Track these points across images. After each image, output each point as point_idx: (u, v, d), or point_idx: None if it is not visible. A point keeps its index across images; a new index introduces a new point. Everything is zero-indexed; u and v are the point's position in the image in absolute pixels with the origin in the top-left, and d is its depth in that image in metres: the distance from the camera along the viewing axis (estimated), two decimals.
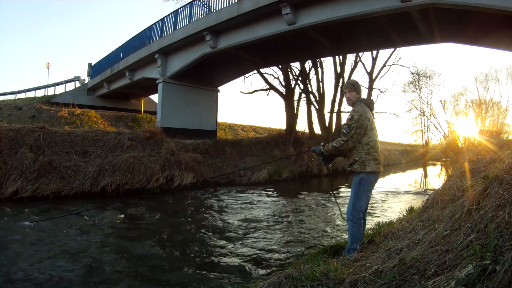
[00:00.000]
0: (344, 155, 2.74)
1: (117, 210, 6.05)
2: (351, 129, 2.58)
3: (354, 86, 2.80)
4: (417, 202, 5.59)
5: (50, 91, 21.01)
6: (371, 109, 2.79)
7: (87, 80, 20.36)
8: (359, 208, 2.61)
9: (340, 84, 16.77)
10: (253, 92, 16.55)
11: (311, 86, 16.40)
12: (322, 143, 2.85)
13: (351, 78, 15.98)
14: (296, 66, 15.64)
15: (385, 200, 8.14)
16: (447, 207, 2.34)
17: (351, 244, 2.59)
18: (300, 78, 15.76)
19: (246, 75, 15.63)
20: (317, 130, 16.82)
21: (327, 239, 4.56)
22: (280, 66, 14.83)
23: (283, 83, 15.57)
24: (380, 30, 8.53)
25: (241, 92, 26.96)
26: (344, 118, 14.11)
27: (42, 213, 5.68)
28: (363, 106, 2.69)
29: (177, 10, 11.67)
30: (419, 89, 24.47)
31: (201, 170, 9.65)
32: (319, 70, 16.37)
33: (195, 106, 13.18)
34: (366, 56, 19.14)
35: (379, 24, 8.00)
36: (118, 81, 16.16)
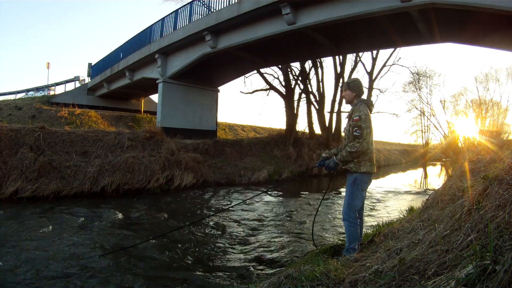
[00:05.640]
0: None
1: (116, 210, 6.04)
2: (362, 129, 2.55)
3: (348, 85, 2.80)
4: (417, 202, 5.58)
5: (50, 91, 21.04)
6: (370, 110, 2.78)
7: (87, 80, 20.37)
8: (355, 207, 2.62)
9: (340, 84, 16.77)
10: (253, 92, 16.58)
11: (311, 86, 16.43)
12: (334, 155, 2.75)
13: (351, 77, 15.98)
14: (296, 66, 15.67)
15: (385, 200, 8.13)
16: (447, 207, 2.34)
17: (349, 244, 2.61)
18: (300, 78, 15.76)
19: (246, 75, 15.67)
20: (317, 130, 16.85)
21: (327, 239, 4.55)
22: (280, 66, 14.83)
23: (283, 83, 15.57)
24: (380, 30, 8.52)
25: (241, 92, 27.00)
26: (343, 118, 14.14)
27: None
28: (365, 106, 2.69)
29: (177, 10, 11.68)
30: (419, 89, 24.57)
31: (201, 170, 9.65)
32: (319, 70, 16.40)
33: (195, 106, 13.19)
34: (366, 56, 19.18)
35: (379, 24, 8.00)
36: (118, 81, 16.16)
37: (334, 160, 2.68)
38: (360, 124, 2.56)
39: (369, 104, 2.76)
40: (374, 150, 2.72)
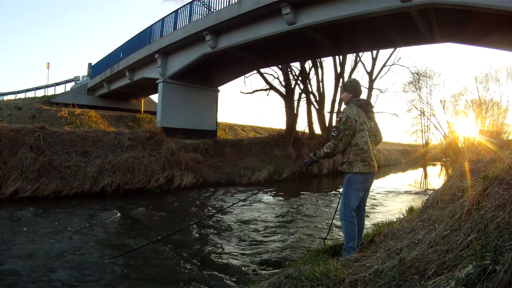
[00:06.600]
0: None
1: (116, 210, 6.04)
2: (340, 131, 2.56)
3: (345, 87, 2.82)
4: (417, 202, 5.59)
5: (50, 91, 21.09)
6: (367, 109, 2.73)
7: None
8: (350, 207, 2.62)
9: (340, 84, 16.77)
10: (253, 92, 16.56)
11: (311, 86, 16.41)
12: (311, 153, 2.87)
13: (350, 78, 16.01)
14: (296, 66, 15.65)
15: (385, 200, 8.13)
16: (447, 207, 2.33)
17: (347, 243, 2.61)
18: (300, 78, 15.75)
19: (246, 75, 15.65)
20: (317, 130, 16.84)
21: (327, 240, 4.55)
22: (280, 66, 14.82)
23: (283, 83, 15.55)
24: (380, 30, 8.52)
25: (241, 92, 27.00)
26: None
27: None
28: (352, 107, 2.65)
29: (177, 10, 11.67)
30: (419, 89, 24.60)
31: (201, 170, 9.65)
32: (319, 70, 16.38)
33: (195, 106, 13.19)
34: (366, 56, 19.14)
35: (379, 24, 8.00)
36: (118, 81, 16.16)
37: (311, 159, 2.82)
38: (339, 126, 2.58)
39: (360, 104, 2.70)
40: (371, 150, 2.66)
